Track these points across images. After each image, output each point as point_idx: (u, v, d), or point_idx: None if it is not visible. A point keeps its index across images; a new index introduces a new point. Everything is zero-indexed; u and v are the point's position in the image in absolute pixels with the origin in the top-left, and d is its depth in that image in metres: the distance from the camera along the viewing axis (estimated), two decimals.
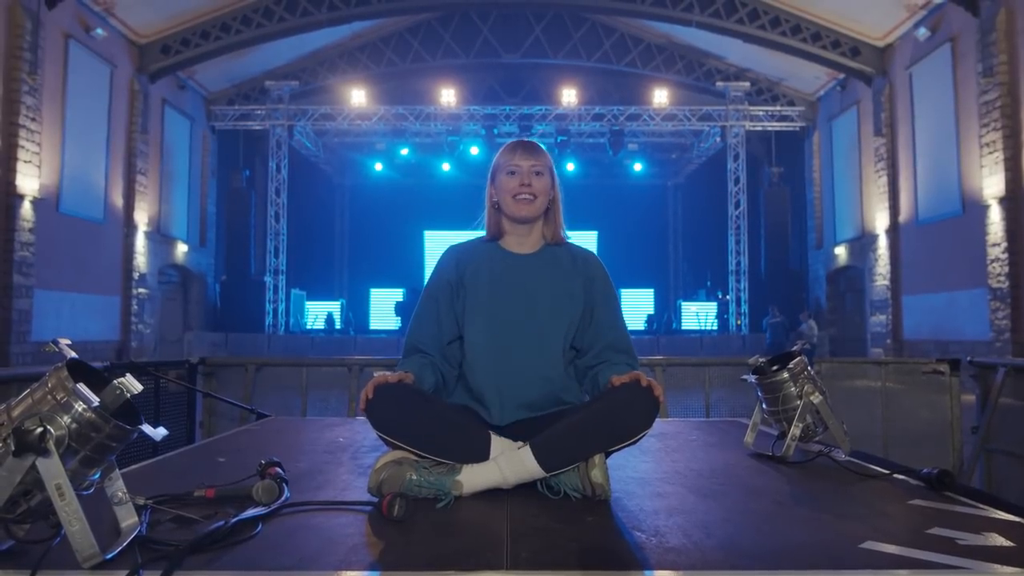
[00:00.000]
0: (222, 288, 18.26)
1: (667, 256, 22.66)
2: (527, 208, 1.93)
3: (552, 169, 1.98)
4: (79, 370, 1.17)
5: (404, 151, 19.08)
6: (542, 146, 2.01)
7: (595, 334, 1.94)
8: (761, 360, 2.21)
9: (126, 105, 14.39)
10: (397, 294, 19.01)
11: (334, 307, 20.47)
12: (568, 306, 1.92)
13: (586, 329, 1.94)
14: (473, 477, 1.61)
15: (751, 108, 17.92)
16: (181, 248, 16.65)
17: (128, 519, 1.21)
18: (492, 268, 1.95)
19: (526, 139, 2.05)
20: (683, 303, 20.52)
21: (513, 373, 1.85)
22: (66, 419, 1.08)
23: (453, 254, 2.02)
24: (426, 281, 2.03)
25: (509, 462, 1.62)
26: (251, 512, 1.39)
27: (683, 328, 19.41)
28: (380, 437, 1.70)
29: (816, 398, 2.06)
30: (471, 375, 1.90)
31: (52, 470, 1.06)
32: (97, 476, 1.15)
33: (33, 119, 11.37)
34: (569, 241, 2.05)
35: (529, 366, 1.86)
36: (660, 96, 17.41)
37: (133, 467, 1.98)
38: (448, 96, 17.33)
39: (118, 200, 14.16)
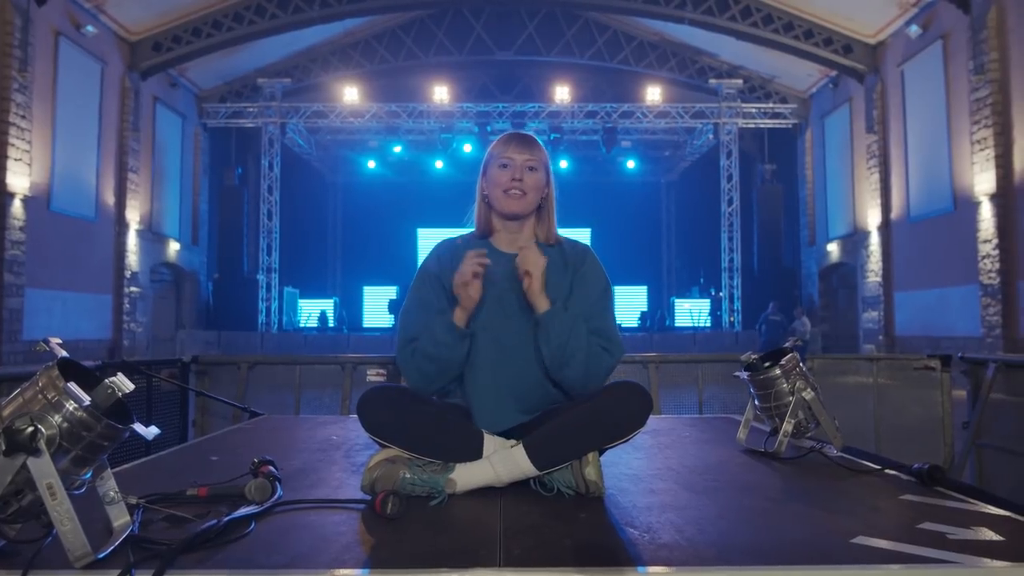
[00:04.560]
0: (215, 286, 18.19)
1: (660, 253, 22.68)
2: (516, 204, 1.84)
3: (547, 165, 1.90)
4: (70, 369, 1.16)
5: (397, 148, 19.03)
6: (539, 140, 1.92)
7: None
8: (753, 357, 2.21)
9: (117, 103, 14.31)
10: (390, 292, 18.95)
11: (327, 305, 20.41)
12: None
13: None
14: (466, 475, 1.61)
15: (744, 105, 17.94)
16: (173, 246, 16.58)
17: (120, 518, 1.21)
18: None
19: (522, 131, 1.96)
20: (676, 300, 20.54)
21: (508, 378, 1.80)
22: (57, 418, 1.08)
23: (442, 251, 1.93)
24: (416, 273, 1.93)
25: (502, 461, 1.62)
26: (244, 511, 1.39)
27: (676, 325, 19.43)
28: (372, 439, 1.70)
29: (808, 394, 2.07)
30: (464, 381, 1.83)
31: (43, 469, 1.05)
32: (89, 475, 1.15)
33: (23, 116, 11.29)
34: (563, 237, 1.94)
35: (523, 370, 1.79)
36: (653, 93, 17.43)
37: (125, 466, 1.97)
38: (441, 93, 17.30)
39: (109, 198, 14.09)
